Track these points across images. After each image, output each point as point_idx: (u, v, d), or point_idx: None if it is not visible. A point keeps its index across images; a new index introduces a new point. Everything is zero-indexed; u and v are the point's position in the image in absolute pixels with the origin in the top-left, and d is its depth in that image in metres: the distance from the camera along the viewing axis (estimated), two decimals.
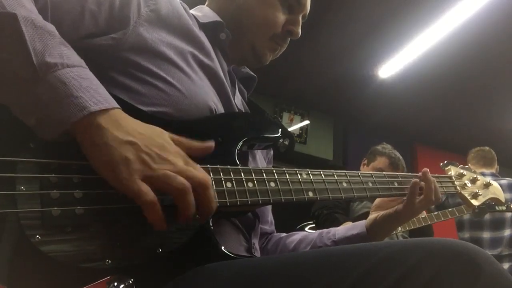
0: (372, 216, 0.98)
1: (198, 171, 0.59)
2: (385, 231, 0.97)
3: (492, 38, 3.46)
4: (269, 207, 1.04)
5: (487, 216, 2.62)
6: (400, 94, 4.46)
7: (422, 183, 0.95)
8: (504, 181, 2.73)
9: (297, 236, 1.01)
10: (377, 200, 1.00)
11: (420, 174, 0.97)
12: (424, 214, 2.45)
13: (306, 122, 4.97)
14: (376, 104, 4.70)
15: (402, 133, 5.21)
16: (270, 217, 1.04)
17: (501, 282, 0.48)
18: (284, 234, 1.04)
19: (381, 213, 0.96)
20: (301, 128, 4.94)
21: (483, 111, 4.74)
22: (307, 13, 0.98)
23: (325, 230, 1.01)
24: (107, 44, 0.70)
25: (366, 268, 0.50)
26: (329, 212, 2.35)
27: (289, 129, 4.76)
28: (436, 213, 2.41)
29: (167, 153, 0.58)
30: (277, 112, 4.83)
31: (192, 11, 0.92)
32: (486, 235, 2.70)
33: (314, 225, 2.53)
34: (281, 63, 3.79)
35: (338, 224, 2.19)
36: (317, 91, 4.63)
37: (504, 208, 2.43)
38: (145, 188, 0.53)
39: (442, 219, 2.41)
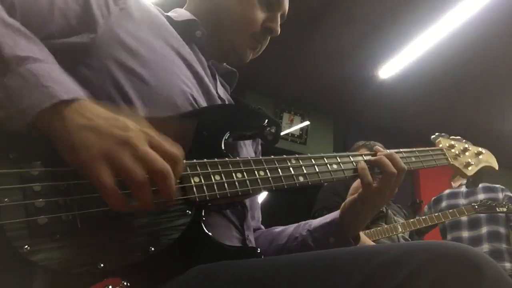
0: (344, 202, 0.97)
1: (165, 149, 0.57)
2: (356, 216, 0.92)
3: (493, 39, 3.46)
4: (258, 205, 1.04)
5: (464, 217, 2.74)
6: (401, 95, 4.45)
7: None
8: (480, 185, 2.87)
9: (277, 229, 1.02)
10: (352, 187, 0.97)
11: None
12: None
13: (306, 123, 4.97)
14: (376, 105, 4.70)
15: (402, 133, 5.20)
16: (257, 214, 1.04)
17: (503, 286, 0.48)
18: (265, 230, 1.05)
19: (348, 199, 0.95)
20: (301, 129, 4.94)
21: (483, 112, 4.73)
22: (286, 12, 0.99)
23: (303, 222, 1.01)
24: (82, 42, 0.71)
25: (368, 270, 0.49)
26: (329, 212, 2.34)
27: (289, 130, 4.80)
28: (436, 214, 2.42)
29: (130, 134, 0.55)
30: (277, 113, 4.83)
31: (168, 13, 0.94)
32: (465, 234, 2.82)
33: None
34: (281, 64, 3.81)
35: None
36: (317, 92, 4.63)
37: (504, 209, 2.44)
38: (105, 176, 0.51)
39: (442, 219, 2.42)
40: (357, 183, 0.95)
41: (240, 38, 0.94)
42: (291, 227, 1.01)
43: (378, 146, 0.95)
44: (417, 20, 3.37)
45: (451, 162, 1.11)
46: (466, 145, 1.17)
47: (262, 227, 1.07)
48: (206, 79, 0.86)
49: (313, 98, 4.79)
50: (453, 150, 1.14)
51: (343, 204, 0.96)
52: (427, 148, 1.05)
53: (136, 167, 0.53)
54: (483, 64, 3.81)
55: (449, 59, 3.77)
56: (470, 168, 1.13)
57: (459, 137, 1.19)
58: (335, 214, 0.96)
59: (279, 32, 0.96)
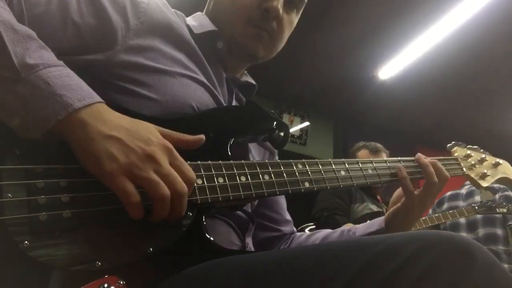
0: (388, 212, 0.98)
1: (184, 170, 0.59)
2: (401, 225, 0.94)
3: (492, 39, 3.46)
4: (284, 207, 1.03)
5: (462, 220, 2.75)
6: (400, 96, 4.45)
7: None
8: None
9: (319, 234, 1.01)
10: (394, 196, 0.99)
11: (413, 158, 0.96)
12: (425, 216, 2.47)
13: (306, 123, 4.97)
14: (376, 105, 4.70)
15: (402, 134, 5.20)
16: (287, 216, 1.04)
17: (495, 272, 0.49)
18: (306, 234, 1.03)
19: (392, 208, 0.96)
20: (301, 130, 4.95)
21: (483, 112, 4.73)
22: None
23: (346, 228, 1.00)
24: (97, 59, 0.70)
25: (365, 259, 0.50)
26: (329, 214, 2.34)
27: (289, 131, 4.81)
28: (437, 215, 2.42)
29: (153, 149, 0.57)
30: (277, 114, 4.83)
31: (189, 19, 0.91)
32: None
33: (314, 227, 2.52)
34: (281, 65, 3.80)
35: (338, 226, 2.18)
36: (317, 93, 4.63)
37: (504, 210, 2.44)
38: (130, 188, 0.54)
39: (443, 220, 2.42)
40: (399, 192, 0.97)
41: (236, 29, 0.88)
42: (334, 234, 1.00)
43: (420, 154, 0.97)
44: (417, 21, 3.37)
45: (466, 173, 1.07)
46: (483, 155, 1.13)
47: (295, 229, 1.06)
48: (221, 98, 0.85)
49: (313, 98, 4.79)
50: (469, 160, 1.11)
51: (386, 213, 0.97)
52: (442, 158, 1.02)
53: (161, 182, 0.55)
54: (483, 65, 3.81)
55: (449, 60, 3.77)
56: (486, 179, 1.10)
57: (476, 147, 1.15)
58: (380, 223, 0.97)
59: (279, 10, 0.86)
